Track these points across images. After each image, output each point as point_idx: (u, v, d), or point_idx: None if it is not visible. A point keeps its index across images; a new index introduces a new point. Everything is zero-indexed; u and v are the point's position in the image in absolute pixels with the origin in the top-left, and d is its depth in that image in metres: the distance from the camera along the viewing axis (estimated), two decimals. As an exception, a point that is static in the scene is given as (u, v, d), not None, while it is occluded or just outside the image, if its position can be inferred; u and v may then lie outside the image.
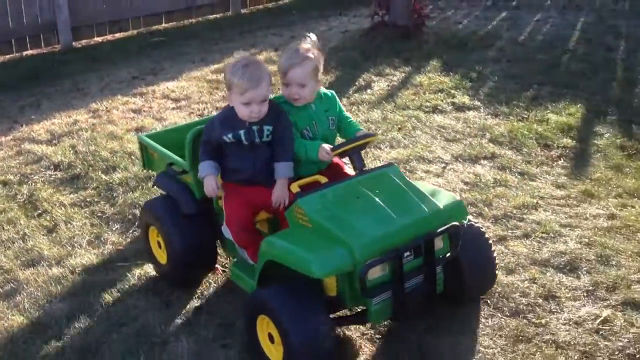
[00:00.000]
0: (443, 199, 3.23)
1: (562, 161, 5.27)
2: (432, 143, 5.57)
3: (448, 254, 3.19)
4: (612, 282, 3.68)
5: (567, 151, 5.42)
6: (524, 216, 4.39)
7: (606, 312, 3.45)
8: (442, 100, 6.46)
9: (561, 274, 3.78)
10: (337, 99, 3.59)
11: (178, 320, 3.57)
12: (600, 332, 3.33)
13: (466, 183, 4.87)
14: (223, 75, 3.47)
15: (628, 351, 3.20)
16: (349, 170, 3.56)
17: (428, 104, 6.39)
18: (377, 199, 3.11)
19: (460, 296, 3.48)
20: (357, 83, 7.02)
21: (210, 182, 3.34)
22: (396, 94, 6.69)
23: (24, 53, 8.73)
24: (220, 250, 3.86)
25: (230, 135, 3.29)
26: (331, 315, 3.14)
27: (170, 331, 3.49)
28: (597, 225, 4.27)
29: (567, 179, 4.95)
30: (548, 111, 6.13)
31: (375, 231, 2.98)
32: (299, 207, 3.11)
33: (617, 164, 5.16)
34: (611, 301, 3.54)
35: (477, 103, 6.40)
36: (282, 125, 3.32)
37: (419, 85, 6.85)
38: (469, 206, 4.49)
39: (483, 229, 3.53)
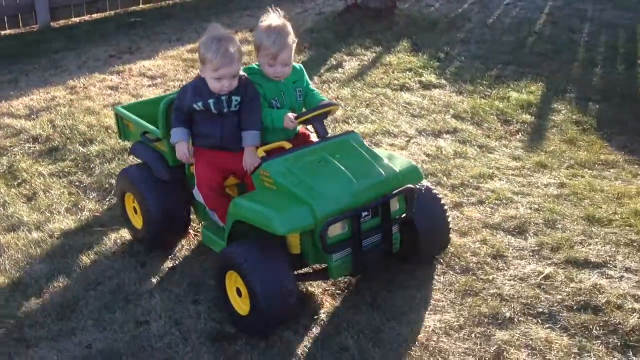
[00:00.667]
0: (399, 164, 3.48)
1: (520, 135, 5.55)
2: (398, 118, 5.82)
3: (403, 215, 3.45)
4: (557, 243, 3.97)
5: (526, 126, 5.70)
6: (480, 185, 4.67)
7: (549, 269, 3.73)
8: (409, 79, 6.70)
9: (510, 236, 4.06)
10: (305, 72, 3.77)
11: (152, 279, 3.81)
12: (542, 287, 3.62)
13: (428, 155, 5.13)
14: (198, 48, 3.50)
15: (566, 303, 3.48)
16: (315, 139, 3.77)
17: (396, 82, 6.63)
18: (337, 163, 3.34)
19: (416, 256, 3.73)
20: (328, 62, 7.23)
21: (182, 148, 3.55)
22: (366, 72, 6.92)
23: (2, 32, 8.82)
24: (193, 217, 4.10)
25: (200, 104, 3.49)
26: (295, 272, 3.39)
27: (144, 289, 3.73)
28: (548, 193, 4.55)
29: (523, 152, 5.24)
30: (510, 89, 6.41)
31: (335, 192, 3.22)
32: (265, 170, 3.34)
33: (571, 137, 5.46)
34: (554, 260, 3.83)
35: (443, 81, 6.66)
36: (250, 96, 3.53)
37: (388, 65, 7.08)
38: (430, 176, 4.76)
39: (439, 195, 3.78)
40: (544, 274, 3.70)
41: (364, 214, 3.25)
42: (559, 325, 3.35)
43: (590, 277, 3.65)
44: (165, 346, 3.33)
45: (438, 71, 6.91)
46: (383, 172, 3.36)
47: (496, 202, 4.43)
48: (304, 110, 3.80)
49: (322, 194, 3.20)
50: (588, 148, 5.29)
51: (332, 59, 7.31)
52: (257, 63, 3.65)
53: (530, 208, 4.35)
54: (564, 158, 5.12)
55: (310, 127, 3.75)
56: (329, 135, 3.60)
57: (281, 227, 3.13)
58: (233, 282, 3.38)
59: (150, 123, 3.95)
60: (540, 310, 3.46)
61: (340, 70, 6.99)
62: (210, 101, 3.50)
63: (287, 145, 3.52)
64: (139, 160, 4.14)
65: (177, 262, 3.97)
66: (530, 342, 3.25)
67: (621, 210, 4.28)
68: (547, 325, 3.35)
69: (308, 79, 3.82)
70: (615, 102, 6.17)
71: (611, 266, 3.76)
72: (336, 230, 3.23)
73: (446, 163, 4.98)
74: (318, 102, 3.69)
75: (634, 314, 3.36)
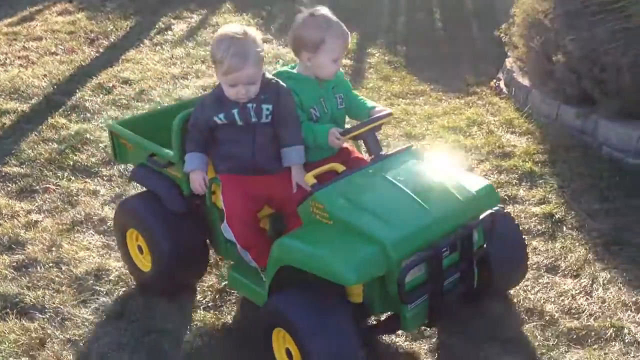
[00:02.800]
0: (473, 184, 2.81)
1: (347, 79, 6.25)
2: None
3: (483, 246, 2.83)
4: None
5: (347, 69, 6.40)
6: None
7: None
8: (237, 35, 7.16)
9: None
10: (344, 75, 3.18)
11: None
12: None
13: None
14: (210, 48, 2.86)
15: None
16: (362, 154, 3.19)
17: (226, 39, 7.06)
18: (404, 188, 2.66)
19: (487, 291, 3.03)
20: (157, 26, 7.46)
21: (197, 178, 2.91)
22: (196, 33, 7.26)
23: None
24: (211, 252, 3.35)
25: (222, 116, 2.82)
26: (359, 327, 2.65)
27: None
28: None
29: (349, 91, 5.95)
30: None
31: (408, 225, 2.54)
32: (317, 202, 2.60)
33: (386, 75, 6.24)
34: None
35: (270, 37, 7.18)
36: (284, 104, 2.85)
37: (216, 25, 7.45)
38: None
39: (512, 215, 3.28)
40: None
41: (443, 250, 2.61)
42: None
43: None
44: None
45: (263, 28, 7.42)
46: (459, 197, 2.69)
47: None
48: (347, 124, 3.16)
49: (394, 229, 2.50)
50: (400, 82, 6.09)
51: (160, 23, 7.53)
52: (290, 65, 3.09)
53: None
54: (382, 92, 5.88)
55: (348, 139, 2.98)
56: (383, 152, 2.89)
57: (352, 276, 2.39)
58: (282, 341, 2.69)
59: (151, 139, 3.21)
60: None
61: (169, 33, 7.27)
62: (234, 111, 2.81)
63: (340, 167, 2.77)
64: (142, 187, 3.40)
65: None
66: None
67: (432, 127, 5.11)
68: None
69: (349, 83, 3.19)
70: (418, 44, 7.07)
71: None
72: (414, 273, 2.57)
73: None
74: (367, 110, 3.03)
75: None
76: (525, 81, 5.32)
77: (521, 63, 5.48)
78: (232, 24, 2.86)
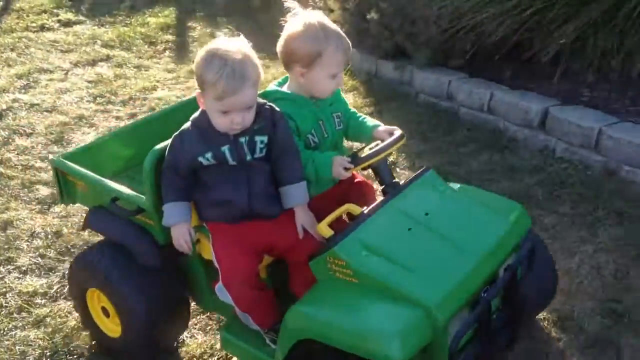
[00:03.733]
0: (505, 210, 2.35)
1: (168, 53, 6.20)
2: (49, 56, 5.94)
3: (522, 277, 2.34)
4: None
5: (170, 44, 6.36)
6: (147, 96, 5.22)
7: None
8: (47, 20, 6.76)
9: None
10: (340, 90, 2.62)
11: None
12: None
13: (90, 82, 5.44)
14: (195, 67, 2.23)
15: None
16: (363, 176, 2.70)
17: (34, 24, 6.65)
18: (435, 228, 2.15)
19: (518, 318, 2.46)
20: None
21: (182, 233, 2.34)
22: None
23: None
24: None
25: (209, 156, 2.26)
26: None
27: None
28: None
29: (174, 65, 5.89)
30: (147, 16, 6.95)
31: (450, 278, 2.03)
32: (337, 258, 2.08)
33: (208, 46, 6.31)
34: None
35: (82, 18, 6.86)
36: (281, 133, 2.32)
37: (21, 10, 6.99)
38: (98, 97, 5.14)
39: (539, 234, 2.79)
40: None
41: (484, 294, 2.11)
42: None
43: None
44: None
45: (73, 9, 7.08)
46: (496, 230, 2.22)
47: (165, 106, 5.05)
48: (345, 146, 2.66)
49: (435, 285, 1.99)
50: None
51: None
52: (277, 81, 2.56)
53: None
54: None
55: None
56: (396, 180, 2.33)
57: (398, 353, 1.85)
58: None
59: (102, 172, 2.68)
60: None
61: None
62: (225, 148, 2.26)
63: (356, 209, 2.24)
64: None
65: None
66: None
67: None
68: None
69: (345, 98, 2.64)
70: (239, 14, 7.13)
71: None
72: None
73: (110, 85, 5.37)
74: (369, 131, 2.49)
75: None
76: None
77: (338, 25, 5.80)
78: (221, 38, 2.22)
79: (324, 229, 2.19)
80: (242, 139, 2.26)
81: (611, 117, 3.91)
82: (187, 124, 2.31)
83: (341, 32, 2.41)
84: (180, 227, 2.34)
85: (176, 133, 2.31)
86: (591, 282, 2.97)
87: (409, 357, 1.88)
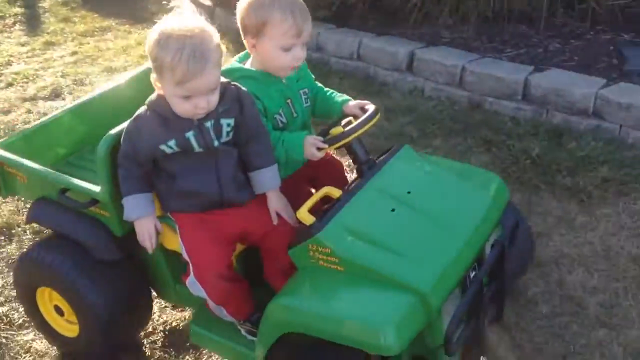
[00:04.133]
0: (486, 183, 2.26)
1: (18, 26, 5.83)
2: None
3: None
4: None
5: (20, 17, 5.99)
6: (3, 72, 4.91)
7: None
8: None
9: (50, 101, 4.50)
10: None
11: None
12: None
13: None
14: (148, 48, 1.97)
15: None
16: (339, 160, 2.53)
17: None
18: (417, 205, 2.05)
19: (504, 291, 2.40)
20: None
21: (147, 228, 2.15)
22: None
23: None
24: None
25: (172, 143, 2.05)
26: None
27: None
28: (65, 62, 5.07)
29: (27, 38, 5.58)
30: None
31: (440, 259, 1.93)
32: (322, 245, 1.94)
33: (65, 17, 5.98)
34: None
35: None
36: (249, 115, 2.13)
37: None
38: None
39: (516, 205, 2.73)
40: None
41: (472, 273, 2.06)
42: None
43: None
44: None
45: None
46: (480, 205, 2.14)
47: (25, 80, 4.75)
48: (312, 125, 2.45)
49: (427, 269, 1.89)
50: (83, 21, 5.90)
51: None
52: (238, 56, 2.38)
53: (56, 76, 4.82)
54: (66, 34, 5.64)
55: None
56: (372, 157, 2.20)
57: (395, 342, 1.74)
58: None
59: (44, 160, 2.47)
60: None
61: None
62: (190, 134, 2.05)
63: (335, 192, 2.07)
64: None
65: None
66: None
67: (130, 58, 5.10)
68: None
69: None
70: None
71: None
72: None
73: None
74: (339, 106, 2.35)
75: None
76: (206, 1, 5.55)
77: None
78: (176, 16, 1.99)
79: (305, 216, 2.00)
80: (208, 124, 2.05)
81: (472, 54, 4.17)
82: (143, 109, 2.07)
83: (301, 2, 2.16)
84: (144, 221, 2.16)
85: (131, 119, 2.08)
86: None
87: (405, 346, 1.78)
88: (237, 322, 2.25)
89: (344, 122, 2.22)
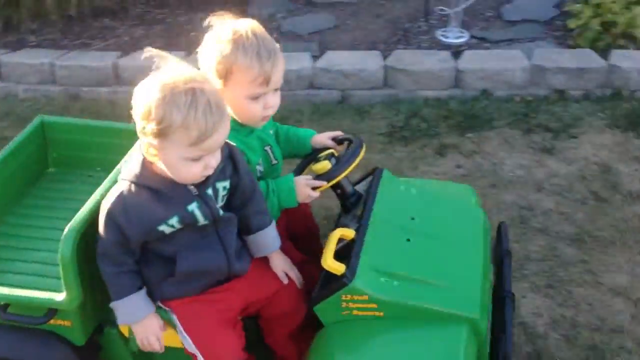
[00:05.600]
0: (462, 193, 2.29)
1: None
2: None
3: None
4: None
5: None
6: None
7: None
8: None
9: None
10: None
11: None
12: None
13: None
14: (145, 110, 1.61)
15: None
16: None
17: None
18: (427, 231, 1.99)
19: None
20: None
21: (152, 328, 1.86)
22: None
23: None
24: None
25: (174, 221, 1.75)
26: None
27: None
28: None
29: None
30: None
31: (472, 280, 1.89)
32: (358, 293, 1.77)
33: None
34: None
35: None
36: (244, 173, 1.89)
37: None
38: None
39: None
40: None
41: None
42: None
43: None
44: None
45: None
46: (474, 218, 2.13)
47: None
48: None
49: (466, 295, 1.84)
50: None
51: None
52: None
53: None
54: None
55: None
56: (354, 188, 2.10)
57: None
58: None
59: None
60: None
61: None
62: (192, 207, 1.77)
63: (349, 233, 1.89)
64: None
65: None
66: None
67: None
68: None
69: None
70: None
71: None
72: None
73: None
74: (307, 141, 2.18)
75: None
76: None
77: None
78: (166, 65, 1.68)
79: (334, 264, 1.80)
80: (208, 190, 1.80)
81: (60, 51, 4.26)
82: (124, 185, 1.75)
83: (268, 37, 1.92)
84: (148, 321, 1.86)
85: (110, 206, 1.74)
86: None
87: None
88: None
89: (322, 155, 2.08)
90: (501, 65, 3.95)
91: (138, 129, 1.66)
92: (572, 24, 4.26)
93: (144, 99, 1.63)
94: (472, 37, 4.38)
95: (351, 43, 4.42)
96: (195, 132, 1.61)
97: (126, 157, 1.88)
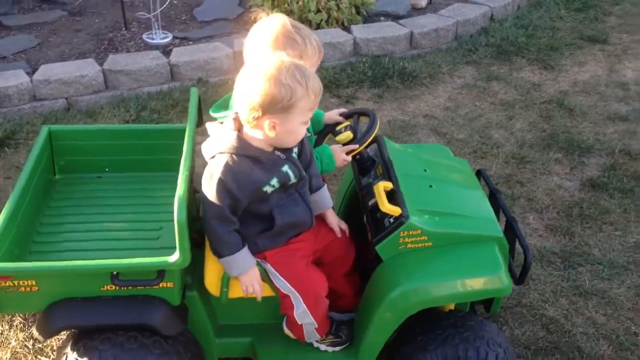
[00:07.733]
0: (441, 150, 2.77)
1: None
2: None
3: None
4: None
5: None
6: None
7: None
8: None
9: None
10: None
11: None
12: None
13: None
14: (266, 90, 1.87)
15: None
16: None
17: None
18: (441, 178, 2.46)
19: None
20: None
21: (256, 276, 2.19)
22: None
23: None
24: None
25: (275, 181, 2.07)
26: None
27: None
28: None
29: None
30: None
31: (487, 210, 2.40)
32: (414, 229, 2.19)
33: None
34: None
35: None
36: (304, 138, 2.20)
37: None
38: None
39: None
40: None
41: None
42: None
43: None
44: None
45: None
46: (463, 168, 2.62)
47: None
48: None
49: (488, 219, 2.35)
50: None
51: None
52: (213, 107, 2.34)
53: None
54: None
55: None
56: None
57: (509, 281, 2.24)
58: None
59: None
60: None
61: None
62: (286, 168, 2.09)
63: (389, 185, 2.27)
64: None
65: None
66: None
67: None
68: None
69: None
70: None
71: None
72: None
73: None
74: (319, 117, 2.50)
75: None
76: None
77: None
78: (260, 55, 2.08)
79: (392, 207, 2.19)
80: (293, 154, 2.14)
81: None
82: (225, 159, 2.01)
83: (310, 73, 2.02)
84: (253, 271, 2.19)
85: (220, 175, 2.01)
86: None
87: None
88: (318, 340, 2.37)
89: (341, 127, 2.41)
90: (209, 55, 4.46)
91: (249, 117, 1.94)
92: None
93: (260, 90, 1.90)
94: (175, 37, 4.81)
95: (60, 57, 4.51)
96: (313, 95, 1.95)
97: (207, 141, 2.10)
